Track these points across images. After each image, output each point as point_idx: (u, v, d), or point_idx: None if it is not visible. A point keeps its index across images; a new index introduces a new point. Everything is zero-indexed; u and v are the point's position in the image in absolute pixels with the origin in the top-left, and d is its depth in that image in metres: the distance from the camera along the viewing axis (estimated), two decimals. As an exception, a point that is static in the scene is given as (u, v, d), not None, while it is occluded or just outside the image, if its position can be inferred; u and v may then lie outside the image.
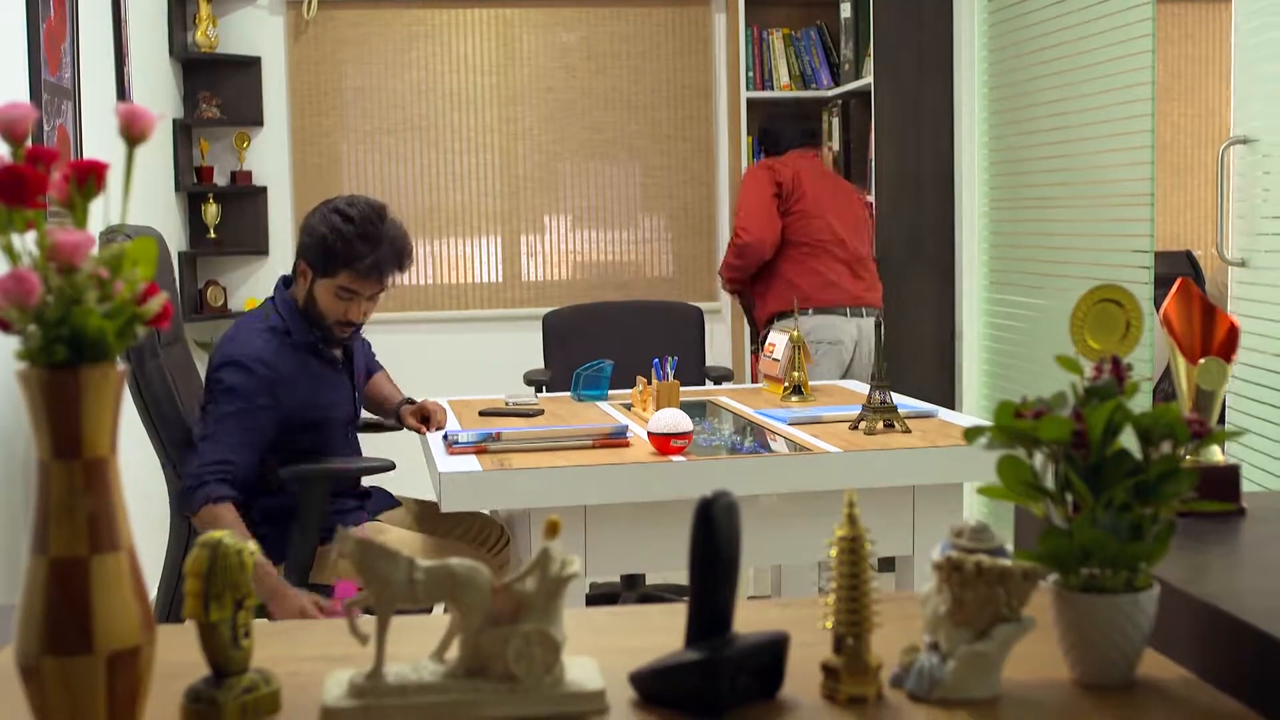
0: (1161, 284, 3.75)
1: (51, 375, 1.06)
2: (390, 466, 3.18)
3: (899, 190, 5.00)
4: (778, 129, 4.98)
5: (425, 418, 3.32)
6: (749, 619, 1.39)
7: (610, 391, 3.78)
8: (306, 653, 1.37)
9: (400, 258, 3.13)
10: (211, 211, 5.42)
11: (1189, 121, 5.66)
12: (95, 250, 1.08)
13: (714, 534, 1.22)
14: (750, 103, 5.64)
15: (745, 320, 4.97)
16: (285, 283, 3.25)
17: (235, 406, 3.01)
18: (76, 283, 1.05)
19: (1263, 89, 3.52)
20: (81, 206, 1.10)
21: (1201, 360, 1.68)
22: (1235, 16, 3.61)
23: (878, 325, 3.21)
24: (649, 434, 2.86)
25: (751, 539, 1.36)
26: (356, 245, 3.06)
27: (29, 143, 1.10)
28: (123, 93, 4.37)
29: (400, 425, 3.46)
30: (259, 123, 5.58)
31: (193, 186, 5.42)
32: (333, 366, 3.23)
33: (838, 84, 5.64)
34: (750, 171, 4.75)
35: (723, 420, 3.39)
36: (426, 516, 3.42)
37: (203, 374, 3.25)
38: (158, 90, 5.05)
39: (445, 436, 3.02)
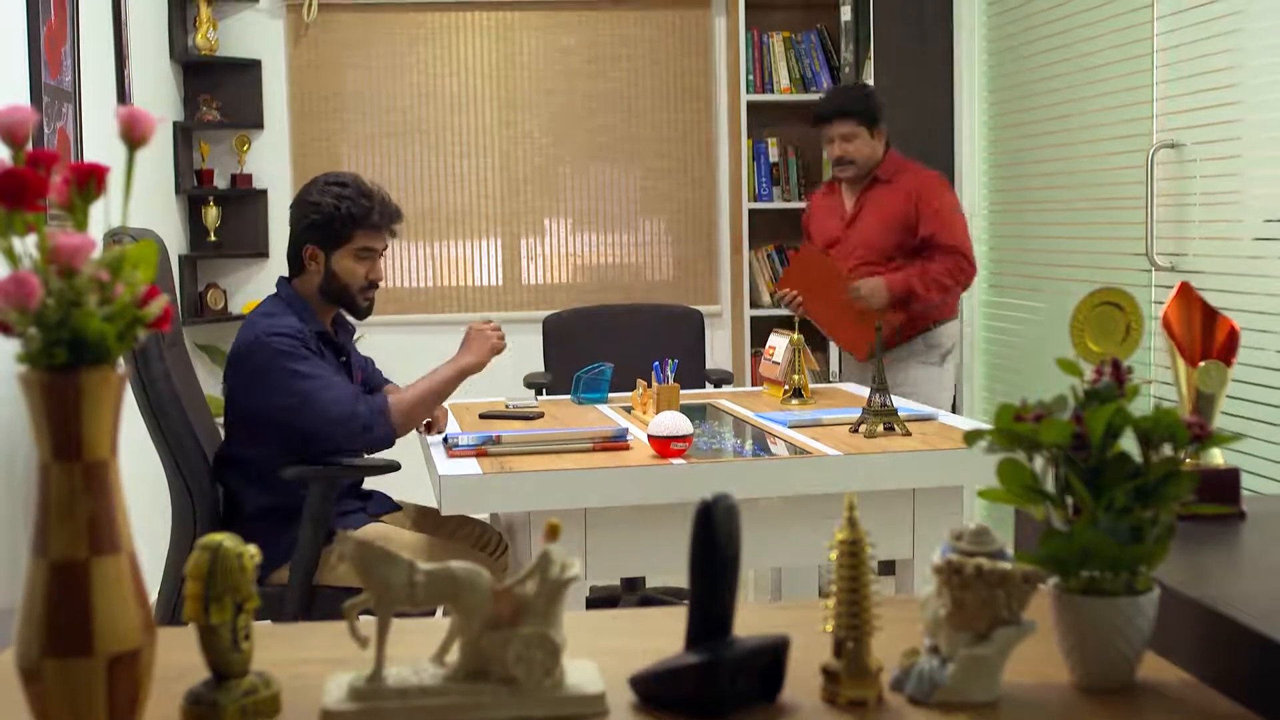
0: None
1: (52, 378, 1.06)
2: (395, 467, 3.18)
3: (899, 193, 4.99)
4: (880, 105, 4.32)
5: (428, 422, 3.33)
6: (749, 622, 1.39)
7: (610, 394, 3.78)
8: (307, 655, 1.37)
9: (392, 206, 3.27)
10: (212, 214, 5.42)
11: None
12: (96, 253, 1.08)
13: (714, 536, 1.22)
14: (750, 105, 5.64)
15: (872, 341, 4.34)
16: (285, 282, 3.29)
17: (306, 364, 3.07)
18: (77, 285, 1.05)
19: (1187, 94, 3.56)
20: (82, 209, 1.10)
21: (1201, 363, 1.68)
22: (1155, 24, 3.66)
23: (878, 329, 3.21)
24: (649, 437, 2.86)
25: (751, 542, 1.36)
26: (361, 202, 3.19)
27: (29, 146, 1.10)
28: (123, 95, 4.37)
29: None
30: (259, 126, 5.58)
31: (193, 189, 5.42)
32: (338, 359, 3.25)
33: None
34: (944, 184, 4.30)
35: (723, 423, 3.38)
36: (426, 521, 3.42)
37: (201, 377, 3.25)
38: (158, 93, 5.06)
39: (445, 439, 3.02)
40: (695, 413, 3.50)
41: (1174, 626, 1.33)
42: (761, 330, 5.42)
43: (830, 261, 4.17)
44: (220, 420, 3.33)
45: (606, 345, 4.49)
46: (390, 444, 3.11)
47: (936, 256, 4.12)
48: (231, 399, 3.19)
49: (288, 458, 3.11)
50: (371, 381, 3.55)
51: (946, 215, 4.18)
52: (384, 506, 3.41)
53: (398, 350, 5.47)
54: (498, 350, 3.23)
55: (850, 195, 4.32)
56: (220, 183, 5.56)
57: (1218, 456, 1.70)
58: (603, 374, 3.76)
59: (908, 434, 3.05)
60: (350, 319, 3.40)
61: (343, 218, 3.19)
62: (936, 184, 4.24)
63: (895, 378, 4.09)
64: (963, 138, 4.94)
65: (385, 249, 3.29)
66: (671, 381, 3.40)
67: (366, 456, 3.34)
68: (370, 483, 3.41)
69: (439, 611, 1.73)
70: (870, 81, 5.07)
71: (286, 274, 3.32)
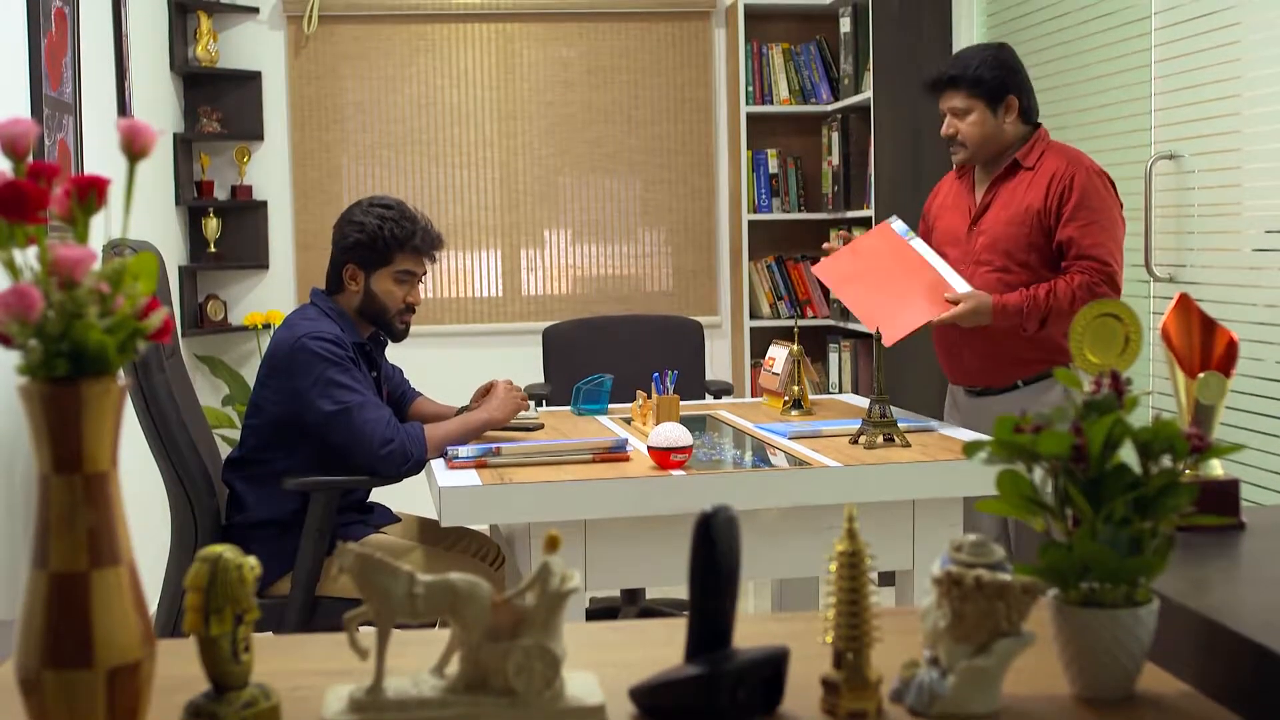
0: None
1: (52, 389, 1.06)
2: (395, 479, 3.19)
3: (898, 204, 4.99)
4: (1023, 81, 3.48)
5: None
6: (749, 633, 1.39)
7: (610, 405, 3.78)
8: (306, 667, 1.37)
9: (434, 232, 3.32)
10: (212, 225, 5.42)
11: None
12: (96, 265, 1.08)
13: (714, 548, 1.22)
14: (750, 117, 5.65)
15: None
16: (322, 295, 3.30)
17: (348, 375, 3.09)
18: (77, 297, 1.06)
19: (1185, 106, 3.56)
20: (83, 221, 1.10)
21: (1200, 374, 1.68)
22: (1153, 36, 3.67)
23: (877, 339, 3.21)
24: (649, 448, 2.86)
25: (751, 553, 1.36)
26: (405, 225, 3.25)
27: (30, 158, 1.10)
28: (124, 107, 4.38)
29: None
30: (259, 137, 5.58)
31: (193, 200, 5.42)
32: (370, 373, 3.26)
33: (837, 98, 5.65)
34: (1103, 183, 3.35)
35: (723, 434, 3.38)
36: (426, 533, 3.42)
37: (201, 388, 3.25)
38: (158, 104, 5.06)
39: (445, 451, 3.03)
40: (695, 424, 3.50)
41: (1173, 638, 1.33)
42: (761, 341, 5.43)
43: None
44: (218, 431, 3.33)
45: (606, 356, 4.49)
46: (418, 472, 3.12)
47: (1072, 270, 3.26)
48: (262, 399, 3.19)
49: (302, 466, 3.11)
50: (399, 392, 3.57)
51: (1094, 215, 3.27)
52: (384, 518, 3.42)
53: (397, 362, 5.46)
54: (520, 410, 3.37)
55: (982, 184, 3.50)
56: (220, 194, 5.57)
57: (1217, 468, 1.70)
58: (602, 385, 3.76)
59: (907, 445, 3.04)
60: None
61: (386, 239, 3.22)
62: (1092, 176, 3.32)
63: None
64: (962, 149, 4.95)
65: (425, 274, 3.34)
66: (671, 393, 3.40)
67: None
68: (371, 495, 3.41)
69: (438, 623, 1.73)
70: (869, 93, 5.07)
71: (320, 288, 3.34)
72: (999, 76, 3.38)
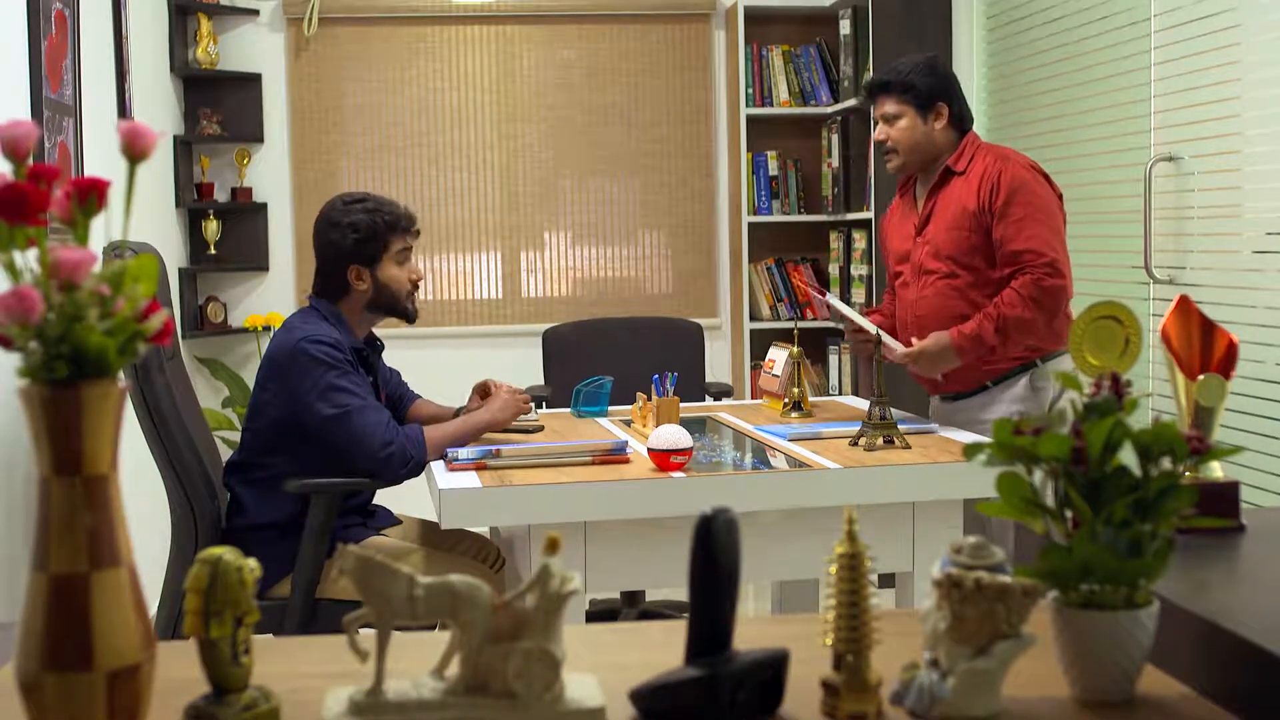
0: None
1: (53, 392, 1.06)
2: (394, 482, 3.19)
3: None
4: (959, 94, 3.54)
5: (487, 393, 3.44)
6: (749, 635, 1.39)
7: (610, 408, 3.78)
8: (306, 669, 1.37)
9: (407, 208, 3.39)
10: (212, 228, 5.42)
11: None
12: (97, 267, 1.08)
13: (714, 550, 1.22)
14: (750, 119, 5.65)
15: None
16: (321, 300, 3.29)
17: (347, 378, 3.10)
18: (78, 300, 1.06)
19: (1185, 108, 3.56)
20: (83, 224, 1.10)
21: (1200, 376, 1.68)
22: (1153, 38, 3.67)
23: (877, 343, 3.21)
24: (649, 450, 2.86)
25: (751, 555, 1.36)
26: (390, 209, 3.32)
27: (31, 160, 1.10)
28: (124, 109, 4.38)
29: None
30: (259, 139, 5.59)
31: (193, 203, 5.42)
32: (367, 377, 3.26)
33: (837, 100, 5.65)
34: (1032, 176, 3.35)
35: (723, 436, 3.38)
36: (426, 535, 3.42)
37: (201, 390, 3.25)
38: (158, 107, 5.06)
39: (445, 454, 3.03)
40: (695, 426, 3.50)
41: (1173, 640, 1.33)
42: (761, 343, 5.43)
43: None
44: (218, 433, 3.33)
45: (606, 358, 4.49)
46: (418, 474, 3.11)
47: (1014, 274, 3.27)
48: (262, 403, 3.19)
49: (302, 469, 3.11)
50: (398, 395, 3.57)
51: (1024, 210, 3.27)
52: (384, 520, 3.42)
53: (397, 364, 5.46)
54: (522, 414, 3.40)
55: (921, 197, 3.54)
56: (220, 196, 5.57)
57: (1217, 470, 1.70)
58: (602, 387, 3.76)
59: (907, 447, 3.05)
60: (381, 339, 3.44)
61: (379, 227, 3.27)
62: (1020, 170, 3.33)
63: (987, 431, 3.20)
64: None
65: (414, 246, 3.42)
66: (671, 395, 3.40)
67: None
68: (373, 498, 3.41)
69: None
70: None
71: (317, 292, 3.32)
72: (931, 84, 3.45)
